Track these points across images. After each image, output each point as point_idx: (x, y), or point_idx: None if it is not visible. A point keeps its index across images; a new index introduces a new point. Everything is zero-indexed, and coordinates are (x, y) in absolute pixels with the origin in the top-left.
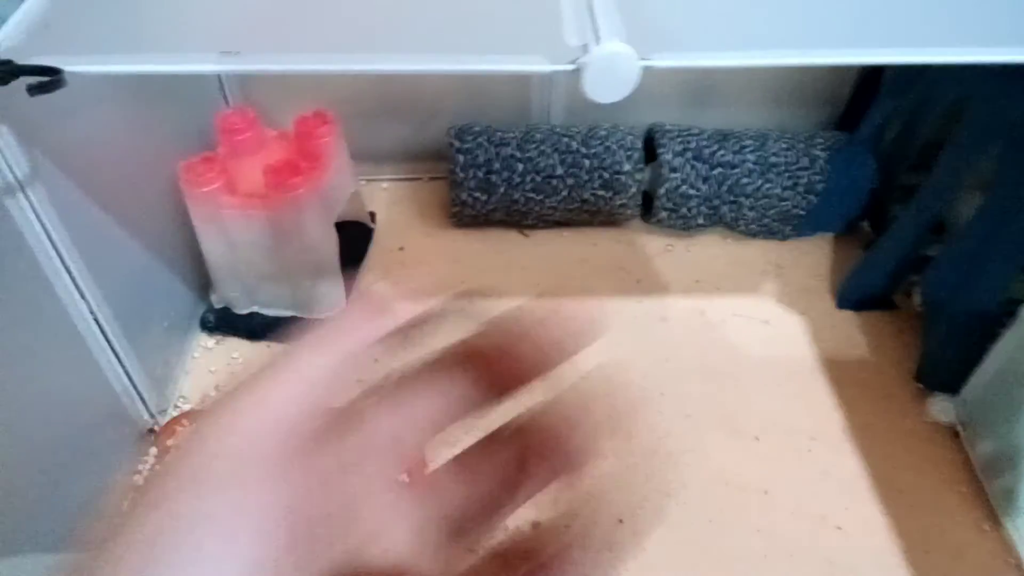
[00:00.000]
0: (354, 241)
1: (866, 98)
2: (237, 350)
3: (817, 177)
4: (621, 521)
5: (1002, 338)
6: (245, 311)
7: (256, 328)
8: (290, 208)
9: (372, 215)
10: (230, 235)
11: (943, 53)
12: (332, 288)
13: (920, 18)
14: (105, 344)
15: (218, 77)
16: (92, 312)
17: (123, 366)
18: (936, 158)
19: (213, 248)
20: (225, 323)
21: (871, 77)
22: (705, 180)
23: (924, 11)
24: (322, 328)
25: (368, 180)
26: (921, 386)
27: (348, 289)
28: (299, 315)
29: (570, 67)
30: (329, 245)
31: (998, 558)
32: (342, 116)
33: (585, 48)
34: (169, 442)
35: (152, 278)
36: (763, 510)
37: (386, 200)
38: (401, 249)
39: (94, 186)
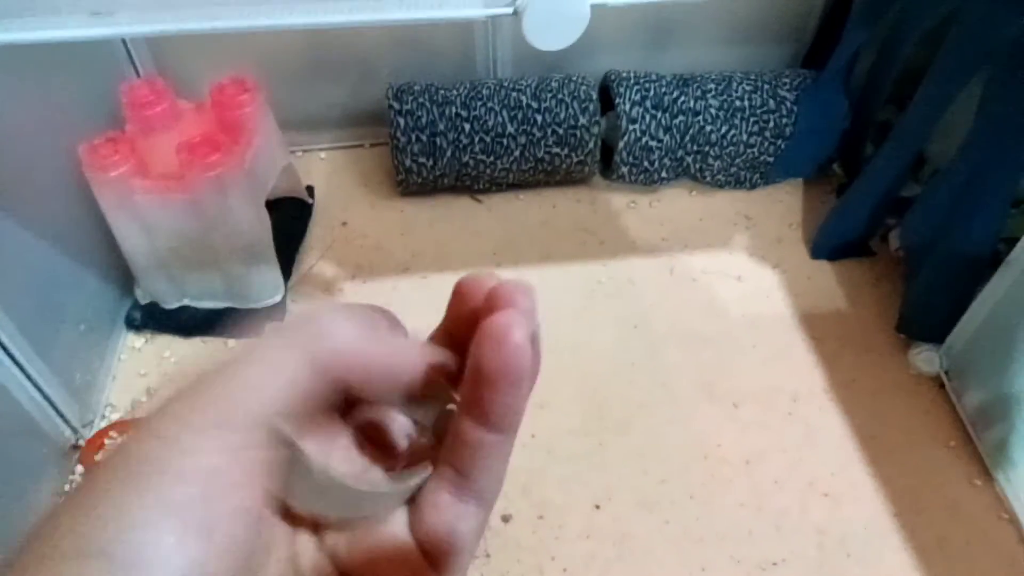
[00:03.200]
0: (291, 220)
1: (834, 30)
2: (169, 348)
3: (785, 120)
4: (597, 507)
5: (990, 283)
6: (174, 305)
7: (188, 323)
8: (211, 189)
9: (310, 189)
10: (146, 222)
11: None
12: (268, 274)
13: None
14: (5, 357)
15: (123, 43)
16: None
17: (31, 379)
18: (914, 90)
19: (129, 238)
20: (152, 320)
21: (839, 6)
22: (667, 130)
23: None
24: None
25: (304, 151)
26: (904, 337)
27: (287, 273)
28: (235, 306)
29: (507, 11)
30: (260, 227)
31: (991, 512)
32: (268, 81)
33: None
34: (97, 457)
35: (60, 277)
36: (746, 482)
37: (325, 171)
38: (344, 224)
39: None
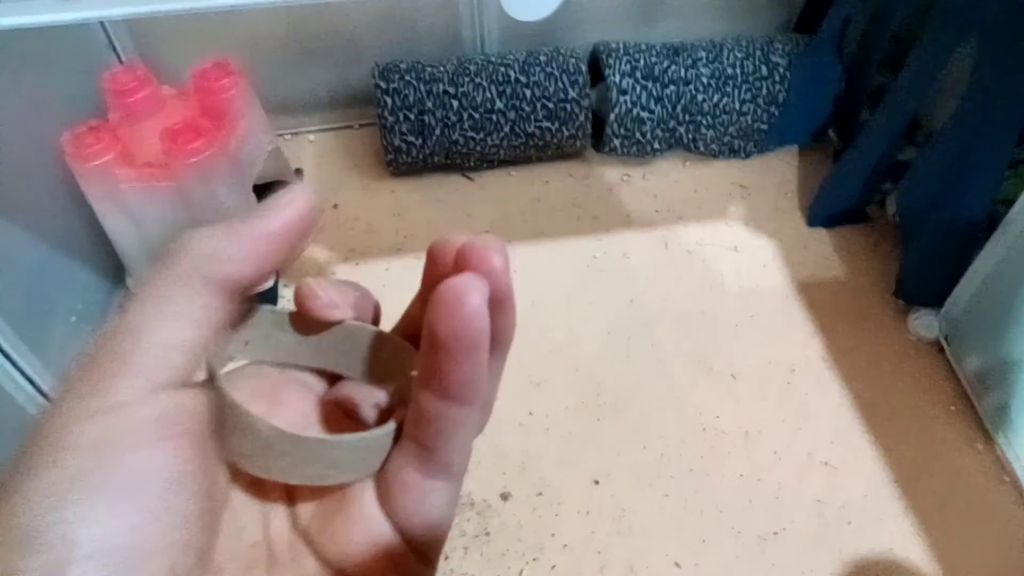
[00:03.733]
0: None
1: None
2: None
3: (778, 86)
4: (596, 482)
5: (988, 245)
6: None
7: None
8: (196, 175)
9: (299, 172)
10: (132, 211)
11: None
12: None
13: None
14: None
15: (104, 29)
16: None
17: (22, 372)
18: (907, 55)
19: (117, 227)
20: None
21: None
22: (658, 100)
23: None
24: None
25: (292, 133)
26: (902, 302)
27: None
28: None
29: None
30: (247, 212)
31: (993, 477)
32: (253, 64)
33: None
34: None
35: (49, 269)
36: (745, 453)
37: (314, 154)
38: (335, 207)
39: None
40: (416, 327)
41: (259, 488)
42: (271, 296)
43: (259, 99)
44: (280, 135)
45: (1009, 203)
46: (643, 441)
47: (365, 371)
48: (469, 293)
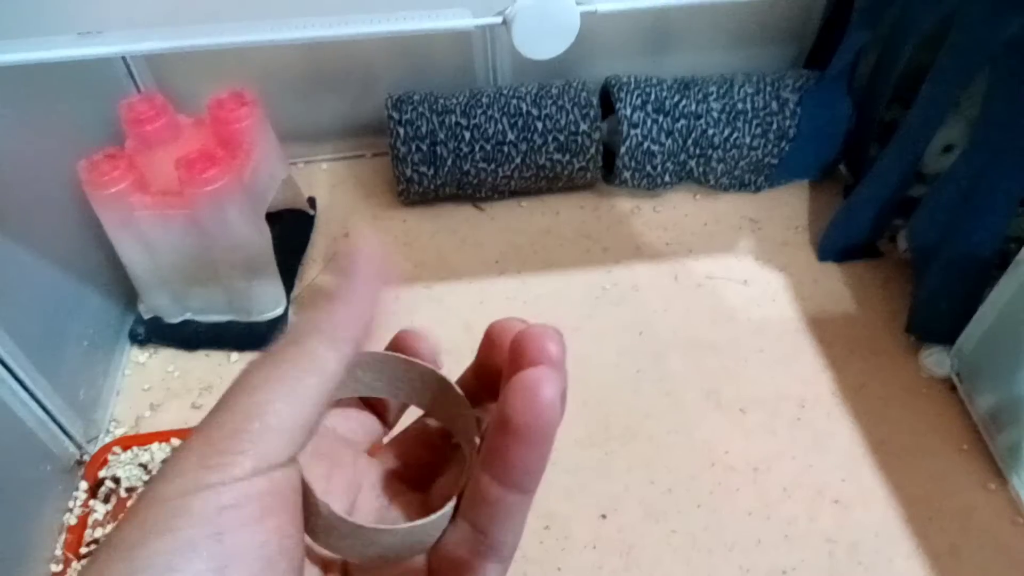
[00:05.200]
0: (292, 232)
1: (837, 30)
2: (172, 363)
3: (789, 121)
4: (604, 517)
5: (999, 282)
6: (177, 320)
7: (191, 337)
8: (210, 204)
9: (311, 201)
10: (147, 238)
11: None
12: (270, 287)
13: None
14: (8, 376)
15: (123, 59)
16: None
17: (34, 398)
18: (918, 90)
19: (131, 254)
20: (156, 334)
21: (841, 6)
22: (669, 134)
23: None
24: (328, 313)
25: (305, 162)
26: (913, 338)
27: (290, 286)
28: (237, 319)
29: (496, 20)
30: (261, 240)
31: (1006, 518)
32: (268, 93)
33: None
34: (101, 473)
35: (62, 295)
36: (754, 490)
37: (327, 183)
38: (347, 235)
39: None
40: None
41: (321, 559)
42: (282, 323)
43: (273, 128)
44: (293, 163)
45: (1021, 240)
46: (651, 475)
47: (432, 408)
48: (546, 384)
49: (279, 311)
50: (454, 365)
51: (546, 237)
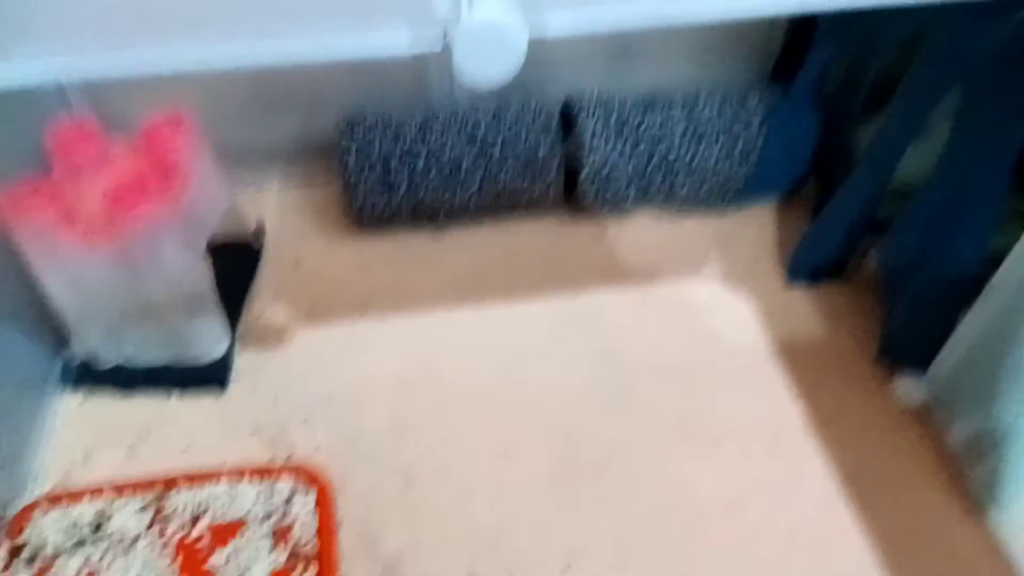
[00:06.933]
0: (237, 263)
1: (802, 44)
2: (107, 408)
3: (754, 139)
4: (569, 566)
5: (975, 306)
6: (112, 361)
7: (127, 380)
8: (143, 237)
9: (259, 229)
10: (75, 275)
11: None
12: (211, 325)
13: None
14: None
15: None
16: None
17: None
18: (887, 103)
19: (58, 291)
20: (89, 378)
21: (805, 20)
22: (632, 155)
23: None
24: None
25: (253, 187)
26: (885, 364)
27: (235, 321)
28: (177, 360)
29: (435, 48)
30: (199, 276)
31: (984, 550)
32: (212, 115)
33: (454, 18)
34: (20, 539)
35: None
36: (728, 526)
37: (276, 209)
38: (297, 264)
39: None
40: None
41: None
42: (226, 362)
43: (218, 152)
44: (241, 189)
45: (999, 260)
46: (620, 514)
47: None
48: None
49: (223, 348)
50: (414, 397)
51: (508, 261)
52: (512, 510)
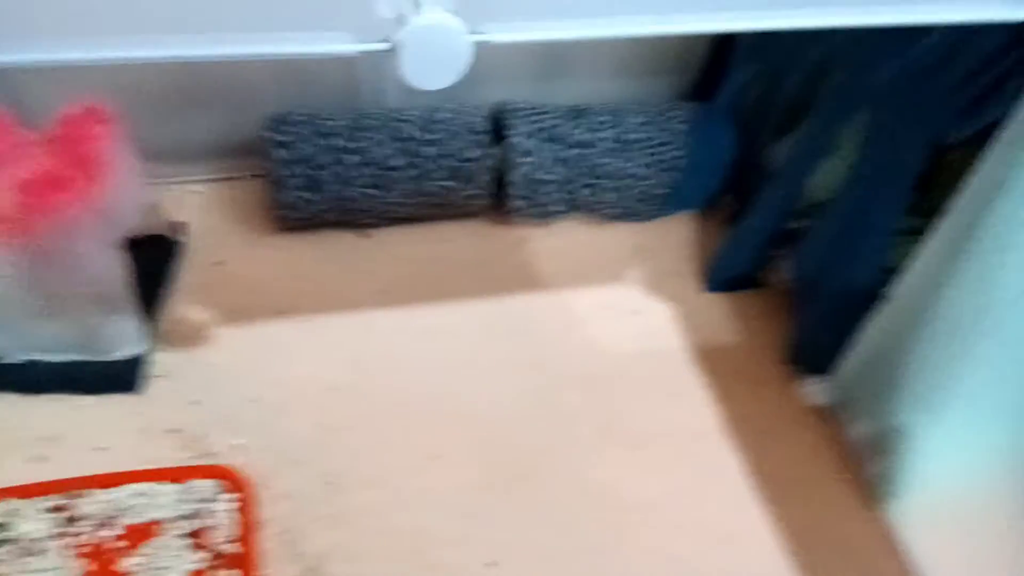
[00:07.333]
0: (156, 260)
1: (722, 63)
2: (11, 410)
3: (678, 152)
4: (495, 563)
5: (875, 314)
6: (19, 359)
7: (34, 380)
8: (58, 233)
9: (181, 226)
10: None
11: (803, 16)
12: (127, 323)
13: None
14: None
15: None
16: None
17: None
18: (799, 123)
19: None
20: None
21: (725, 40)
22: (561, 163)
23: None
24: None
25: (175, 184)
26: (795, 369)
27: (154, 319)
28: (90, 359)
29: (382, 47)
30: (117, 273)
31: (882, 545)
32: (132, 108)
33: (401, 20)
34: None
35: None
36: (649, 528)
37: (199, 206)
38: (219, 264)
39: None
40: None
41: None
42: (142, 362)
43: (138, 146)
44: (162, 184)
45: (898, 272)
46: (546, 516)
47: None
48: None
49: (140, 348)
50: (340, 401)
51: (435, 266)
52: (437, 515)
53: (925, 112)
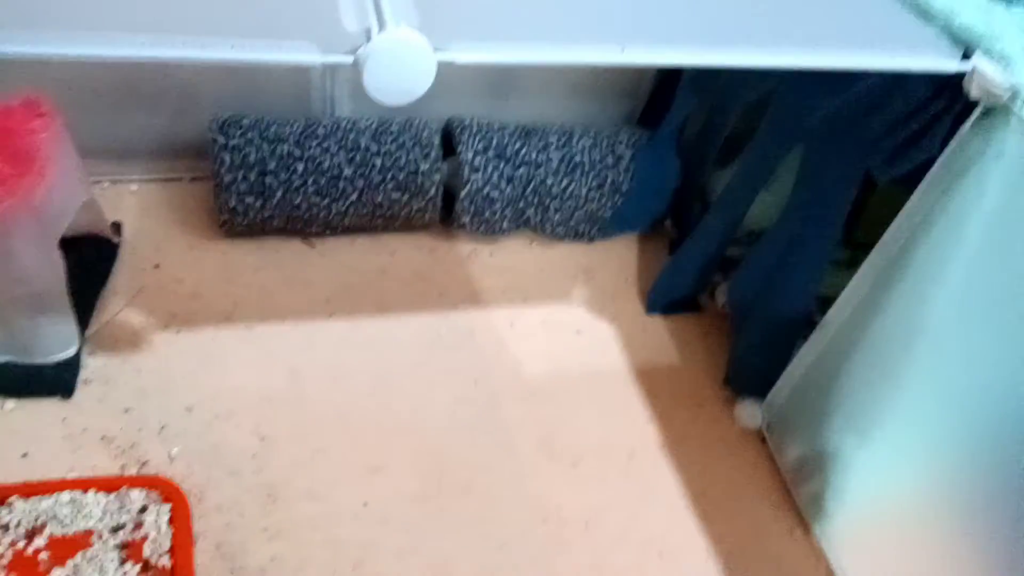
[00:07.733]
0: (91, 261)
1: (668, 93)
2: None
3: (622, 176)
4: None
5: (807, 341)
6: None
7: None
8: None
9: (117, 226)
10: None
11: (745, 56)
12: (60, 325)
13: (722, 17)
14: None
15: None
16: None
17: None
18: (739, 155)
19: None
20: None
21: (672, 72)
22: (509, 180)
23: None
24: None
25: (111, 181)
26: (731, 391)
27: (85, 322)
28: (19, 361)
29: (347, 59)
30: (51, 273)
31: (810, 565)
32: (69, 103)
33: (367, 35)
34: None
35: None
36: (587, 543)
37: (136, 206)
38: (157, 267)
39: None
40: None
41: None
42: (73, 366)
43: (76, 141)
44: (98, 182)
45: (830, 300)
46: (485, 531)
47: None
48: None
49: (71, 351)
50: (279, 411)
51: (380, 278)
52: (377, 528)
53: (856, 151)
